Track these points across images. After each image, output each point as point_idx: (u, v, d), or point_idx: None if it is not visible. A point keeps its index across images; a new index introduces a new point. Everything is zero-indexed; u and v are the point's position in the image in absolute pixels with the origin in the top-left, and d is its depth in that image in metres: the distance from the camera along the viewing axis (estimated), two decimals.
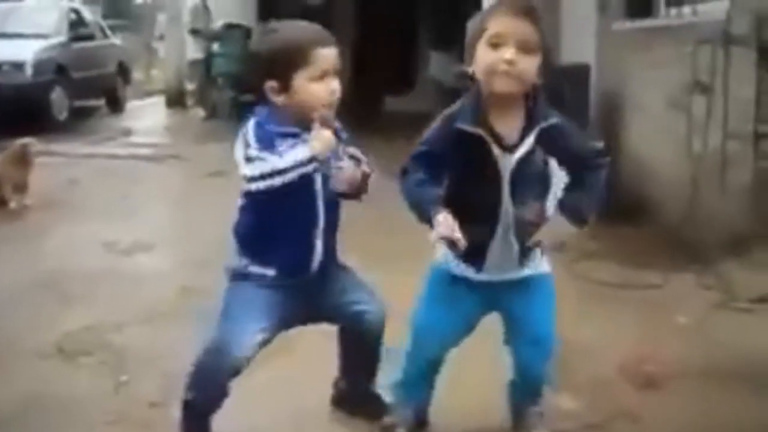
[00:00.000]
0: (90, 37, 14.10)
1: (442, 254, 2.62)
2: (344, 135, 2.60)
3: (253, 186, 2.39)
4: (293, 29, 2.58)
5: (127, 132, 12.07)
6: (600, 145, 2.65)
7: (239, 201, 2.60)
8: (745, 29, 4.85)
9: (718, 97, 5.08)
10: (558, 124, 2.51)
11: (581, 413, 3.05)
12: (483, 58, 2.43)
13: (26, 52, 11.56)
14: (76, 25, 13.69)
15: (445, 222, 2.34)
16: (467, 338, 2.72)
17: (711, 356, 3.60)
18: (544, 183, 2.58)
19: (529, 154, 2.48)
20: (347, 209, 2.67)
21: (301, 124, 2.50)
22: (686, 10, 5.85)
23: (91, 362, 3.55)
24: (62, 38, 12.82)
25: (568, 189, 2.57)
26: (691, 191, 5.26)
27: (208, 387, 2.65)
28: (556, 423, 2.89)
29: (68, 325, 3.92)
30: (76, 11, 14.47)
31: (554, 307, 2.68)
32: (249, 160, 2.40)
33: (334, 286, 2.72)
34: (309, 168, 2.41)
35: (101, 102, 14.77)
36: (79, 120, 12.75)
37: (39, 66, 11.60)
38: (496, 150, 2.45)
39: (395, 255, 4.47)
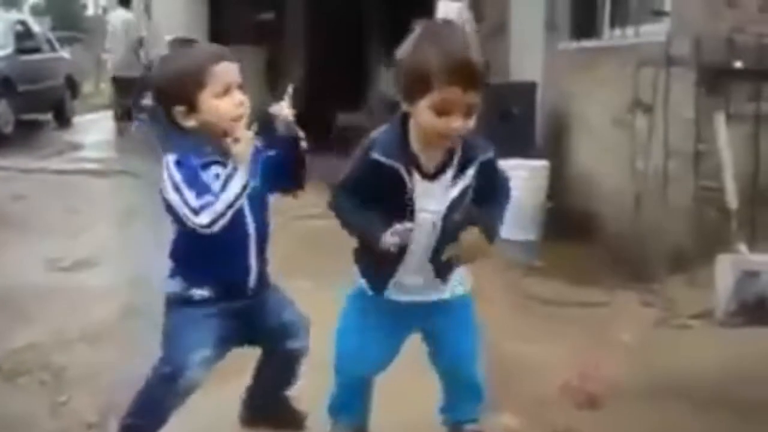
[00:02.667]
0: (37, 50, 13.92)
1: (357, 279, 2.63)
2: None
3: (208, 231, 2.41)
4: (188, 52, 2.61)
5: (75, 146, 11.92)
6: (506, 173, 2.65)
7: (173, 228, 2.59)
8: (685, 50, 4.95)
9: (660, 116, 5.18)
10: (493, 158, 2.53)
11: (523, 431, 3.06)
12: (425, 119, 2.36)
13: None
14: (23, 37, 13.53)
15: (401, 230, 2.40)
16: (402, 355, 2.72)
17: (652, 374, 3.64)
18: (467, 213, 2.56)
19: (467, 187, 2.50)
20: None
21: (216, 144, 2.51)
22: (629, 31, 5.95)
23: (29, 382, 3.50)
24: (8, 50, 12.66)
25: (476, 204, 2.56)
26: (634, 209, 5.34)
27: (153, 413, 2.65)
28: None
29: (7, 345, 3.86)
30: (23, 23, 14.30)
31: (475, 326, 2.69)
32: (195, 212, 2.39)
33: (268, 308, 2.74)
34: (247, 192, 2.46)
35: (48, 116, 14.57)
36: (25, 134, 12.56)
37: None
38: (416, 177, 2.46)
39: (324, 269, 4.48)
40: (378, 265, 2.53)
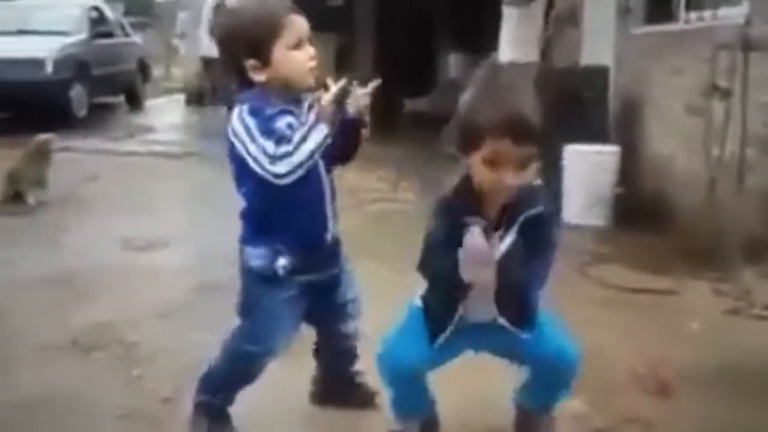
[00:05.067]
0: (110, 35, 14.18)
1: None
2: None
3: (283, 181, 2.37)
4: (256, 4, 2.56)
5: (147, 129, 12.13)
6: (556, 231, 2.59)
7: (243, 188, 2.56)
8: (764, 33, 4.82)
9: (737, 101, 5.06)
10: (541, 214, 2.45)
11: (592, 417, 3.04)
12: (481, 174, 2.34)
13: (47, 48, 11.63)
14: (97, 23, 13.78)
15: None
16: None
17: (724, 363, 3.58)
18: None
19: (516, 243, 2.44)
20: None
21: (288, 99, 2.49)
22: (706, 14, 5.83)
23: (105, 357, 3.58)
24: (83, 35, 12.91)
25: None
26: (708, 196, 5.24)
27: (230, 390, 2.71)
28: (565, 426, 2.88)
29: (84, 320, 3.95)
30: (97, 8, 14.57)
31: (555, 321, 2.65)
32: (273, 159, 2.35)
33: (341, 285, 2.76)
34: (326, 145, 2.41)
35: (121, 99, 14.85)
36: (98, 117, 12.81)
37: (59, 63, 11.66)
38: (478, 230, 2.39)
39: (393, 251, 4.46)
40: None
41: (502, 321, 2.54)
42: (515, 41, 7.83)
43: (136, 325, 3.90)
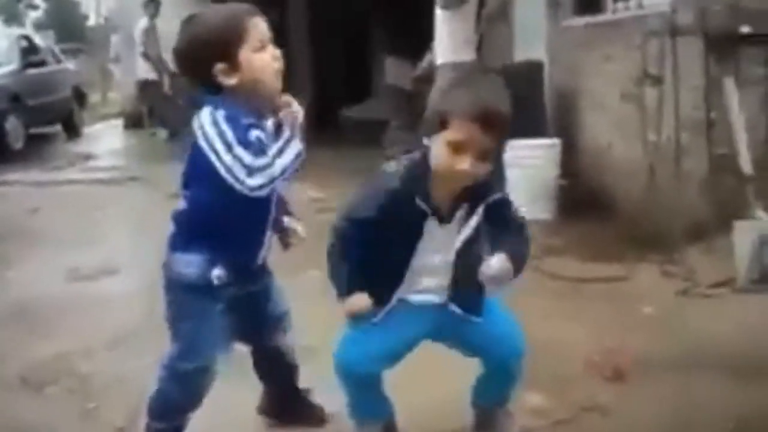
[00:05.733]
0: (42, 63, 13.96)
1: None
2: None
3: (259, 193, 2.32)
4: (220, 9, 2.53)
5: (86, 156, 11.95)
6: (522, 213, 2.64)
7: (190, 190, 2.52)
8: (690, 19, 4.92)
9: (669, 87, 5.15)
10: (502, 198, 2.53)
11: (550, 410, 3.06)
12: (439, 156, 2.39)
13: None
14: (28, 52, 13.55)
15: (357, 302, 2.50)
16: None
17: (678, 344, 3.64)
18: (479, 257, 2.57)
19: (476, 231, 2.52)
20: None
21: (255, 105, 2.47)
22: (632, 3, 5.92)
23: (57, 391, 3.51)
24: (13, 66, 12.69)
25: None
26: (648, 181, 5.32)
27: (175, 413, 2.65)
28: (524, 420, 2.90)
29: (34, 355, 3.87)
30: (27, 37, 14.34)
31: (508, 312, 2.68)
32: (250, 171, 2.29)
33: (271, 298, 2.75)
34: (300, 160, 2.40)
35: (58, 128, 14.62)
36: (36, 147, 12.59)
37: None
38: (430, 219, 2.49)
39: None
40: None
41: (453, 307, 2.59)
42: (450, 43, 7.86)
43: (87, 357, 3.83)
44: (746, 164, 4.64)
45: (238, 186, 2.31)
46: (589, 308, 4.17)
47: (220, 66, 2.42)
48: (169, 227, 2.59)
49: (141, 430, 2.73)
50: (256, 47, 2.44)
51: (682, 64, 5.06)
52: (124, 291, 4.98)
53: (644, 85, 5.38)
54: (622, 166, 5.81)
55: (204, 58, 2.43)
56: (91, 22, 30.97)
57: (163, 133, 13.12)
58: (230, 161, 2.30)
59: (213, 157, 2.33)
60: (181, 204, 2.55)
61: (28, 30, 14.86)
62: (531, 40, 7.31)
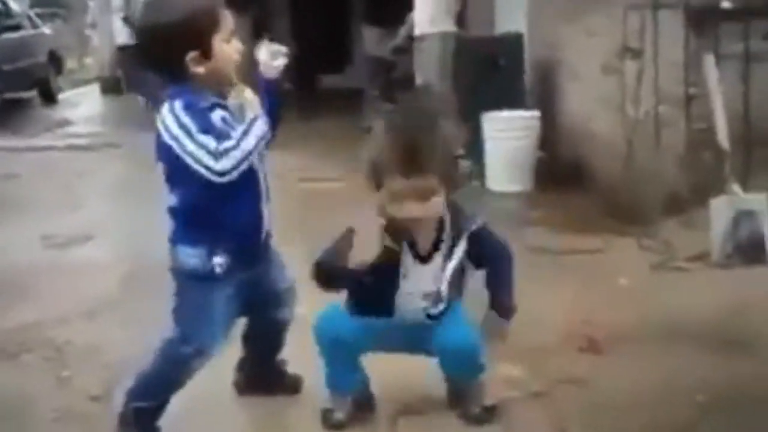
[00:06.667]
0: (18, 27, 13.77)
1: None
2: None
3: (227, 177, 2.32)
4: None
5: (63, 122, 11.84)
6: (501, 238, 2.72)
7: (177, 187, 2.51)
8: None
9: (649, 61, 5.14)
10: (480, 230, 2.60)
11: (527, 381, 3.08)
12: (388, 208, 2.47)
13: None
14: (3, 16, 13.38)
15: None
16: None
17: (653, 317, 3.66)
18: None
19: (460, 263, 2.61)
20: None
21: (216, 92, 2.47)
22: None
23: (33, 359, 3.50)
24: None
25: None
26: (626, 155, 5.33)
27: (164, 393, 2.65)
28: (501, 392, 2.92)
29: (9, 324, 3.86)
30: (2, 1, 14.12)
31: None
32: (215, 156, 2.30)
33: (271, 276, 2.75)
34: (267, 138, 2.41)
35: (34, 93, 14.45)
36: (11, 113, 12.45)
37: None
38: (409, 258, 2.55)
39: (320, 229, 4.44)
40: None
41: (428, 321, 2.66)
42: (430, 13, 7.83)
43: (62, 325, 3.82)
44: (724, 140, 4.64)
45: (206, 173, 2.31)
46: (565, 280, 4.18)
47: (192, 54, 2.41)
48: (146, 195, 2.58)
49: (116, 399, 2.72)
50: (226, 38, 2.46)
51: (662, 38, 5.05)
52: (100, 258, 4.97)
53: (625, 58, 5.37)
54: (601, 139, 5.81)
55: (177, 45, 2.41)
56: None
57: (138, 99, 12.99)
58: (194, 149, 2.31)
59: (178, 149, 2.34)
60: (171, 199, 2.54)
61: None
62: (512, 12, 7.29)
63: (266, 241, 2.69)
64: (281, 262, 2.81)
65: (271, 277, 2.76)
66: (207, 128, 2.35)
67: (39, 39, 14.71)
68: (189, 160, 2.33)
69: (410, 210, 2.45)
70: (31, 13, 15.96)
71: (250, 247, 2.61)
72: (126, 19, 12.80)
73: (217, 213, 2.48)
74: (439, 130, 2.49)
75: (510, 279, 2.69)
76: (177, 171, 2.42)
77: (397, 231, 2.52)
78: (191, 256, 2.54)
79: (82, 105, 14.26)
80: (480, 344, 2.67)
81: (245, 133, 2.36)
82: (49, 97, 14.51)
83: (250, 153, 2.35)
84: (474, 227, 2.59)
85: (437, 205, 2.49)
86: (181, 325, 2.59)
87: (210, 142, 2.31)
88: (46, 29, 15.96)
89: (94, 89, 15.65)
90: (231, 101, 2.48)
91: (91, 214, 6.13)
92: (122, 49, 12.95)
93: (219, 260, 2.52)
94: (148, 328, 2.69)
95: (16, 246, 5.29)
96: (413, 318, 2.65)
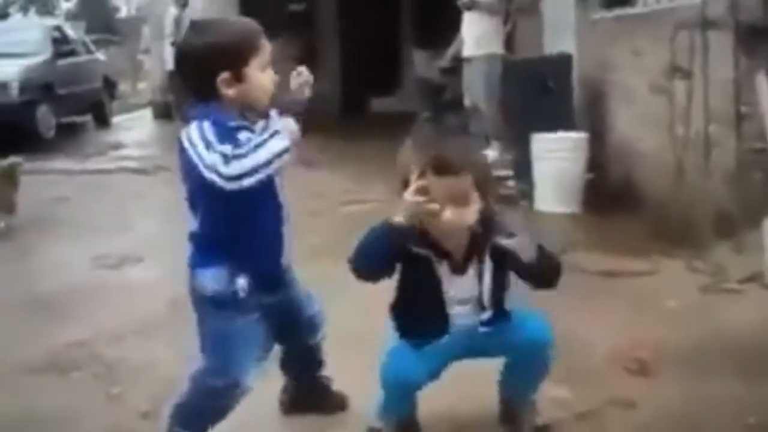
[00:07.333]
0: (73, 53, 14.08)
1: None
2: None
3: (233, 185, 2.26)
4: (235, 22, 2.55)
5: (115, 146, 12.04)
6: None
7: (199, 207, 2.50)
8: (721, 11, 4.87)
9: (699, 80, 5.10)
10: (505, 247, 2.53)
11: (575, 402, 3.05)
12: (416, 209, 2.46)
13: (11, 71, 11.51)
14: (60, 42, 13.68)
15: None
16: None
17: (702, 339, 3.61)
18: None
19: (495, 269, 2.59)
20: None
21: (244, 117, 2.48)
22: None
23: (83, 376, 3.55)
24: (46, 56, 12.80)
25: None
26: (676, 175, 5.28)
27: (205, 424, 2.62)
28: (549, 413, 2.90)
29: (60, 341, 3.91)
30: (59, 28, 14.45)
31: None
32: (226, 159, 2.26)
33: (297, 304, 2.74)
34: (285, 159, 2.36)
35: (88, 117, 14.74)
36: (66, 136, 12.72)
37: (24, 84, 11.55)
38: (444, 268, 2.56)
39: None
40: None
41: (483, 329, 2.64)
42: (476, 35, 7.86)
43: (113, 343, 3.87)
44: None
45: (216, 179, 2.26)
46: (614, 302, 4.15)
47: (225, 75, 2.42)
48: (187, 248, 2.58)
49: (164, 416, 2.74)
50: (263, 65, 2.47)
51: (712, 57, 5.01)
52: (150, 279, 5.02)
53: (674, 78, 5.33)
54: (651, 160, 5.76)
55: (212, 64, 2.42)
56: (122, 13, 31.21)
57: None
58: (209, 155, 2.28)
59: (194, 157, 2.31)
60: (192, 224, 2.53)
61: (60, 21, 14.91)
62: (560, 33, 7.27)
63: (288, 267, 2.68)
64: (304, 288, 2.79)
65: (297, 305, 2.75)
66: (228, 138, 2.34)
67: (93, 65, 15.02)
68: (201, 166, 2.28)
69: (444, 214, 2.43)
70: (87, 39, 16.29)
71: (271, 270, 2.60)
72: (174, 44, 13.05)
73: (238, 234, 2.46)
74: (470, 136, 2.53)
75: (545, 262, 2.60)
76: (198, 190, 2.42)
77: (425, 239, 2.51)
78: (212, 280, 2.50)
79: (135, 129, 14.50)
80: (552, 339, 2.66)
81: (259, 145, 2.32)
82: (102, 121, 14.80)
83: (261, 166, 2.29)
84: (496, 239, 2.52)
85: (471, 213, 2.47)
86: (208, 356, 2.56)
87: (224, 148, 2.29)
88: (101, 55, 16.29)
89: (147, 114, 15.91)
90: (260, 123, 2.49)
91: (142, 236, 6.21)
92: (172, 74, 13.19)
93: (242, 282, 2.49)
94: (197, 348, 2.70)
95: (68, 266, 5.38)
96: (465, 330, 2.63)
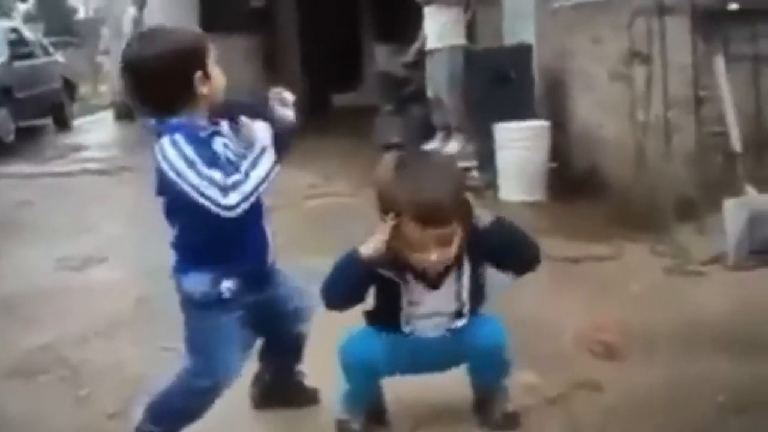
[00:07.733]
0: (31, 56, 13.91)
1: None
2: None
3: (236, 211, 2.29)
4: (177, 28, 2.59)
5: (76, 148, 11.91)
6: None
7: (178, 219, 2.49)
8: None
9: (658, 66, 5.14)
10: (487, 228, 2.54)
11: (543, 387, 3.06)
12: (406, 250, 2.46)
13: None
14: (17, 45, 13.50)
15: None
16: None
17: (667, 321, 3.64)
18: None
19: (472, 271, 2.60)
20: None
21: (206, 116, 2.48)
22: None
23: (49, 379, 3.51)
24: (3, 59, 12.63)
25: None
26: (637, 160, 5.32)
27: (181, 421, 2.62)
28: (518, 399, 2.90)
29: (25, 345, 3.87)
30: (16, 30, 14.26)
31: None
32: (225, 190, 2.27)
33: (281, 297, 2.73)
34: (275, 171, 2.40)
35: (48, 120, 14.56)
36: (26, 140, 12.55)
37: None
38: (417, 288, 2.56)
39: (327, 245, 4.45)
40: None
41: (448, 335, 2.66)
42: (438, 28, 7.87)
43: (78, 345, 3.83)
44: (736, 142, 4.63)
45: (213, 208, 2.27)
46: (579, 287, 4.18)
47: (199, 74, 2.43)
48: (159, 218, 2.56)
49: (133, 419, 2.72)
50: (215, 62, 2.50)
51: (670, 43, 5.06)
52: (113, 279, 4.98)
53: (633, 64, 5.37)
54: (612, 146, 5.80)
55: (184, 68, 2.42)
56: (81, 14, 30.85)
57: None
58: (200, 183, 2.28)
59: (182, 183, 2.30)
60: (172, 232, 2.53)
61: (17, 23, 14.73)
62: (520, 22, 7.30)
63: (274, 264, 2.68)
64: (293, 281, 2.79)
65: (282, 298, 2.74)
66: (213, 161, 2.33)
67: (52, 67, 14.84)
68: (195, 195, 2.29)
69: (428, 258, 2.44)
70: (45, 41, 16.10)
71: (257, 269, 2.60)
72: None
73: (222, 239, 2.45)
74: (454, 176, 2.53)
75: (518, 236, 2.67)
76: (176, 204, 2.41)
77: (399, 262, 2.52)
78: (198, 284, 2.51)
79: (96, 131, 14.36)
80: (507, 341, 2.68)
81: (253, 164, 2.34)
82: (63, 124, 14.63)
83: (258, 186, 2.34)
84: (483, 225, 2.53)
85: (455, 248, 2.47)
86: (194, 357, 2.57)
87: (217, 175, 2.28)
88: (59, 57, 16.10)
89: (108, 116, 15.75)
90: (224, 124, 2.49)
91: (105, 237, 6.15)
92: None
93: (227, 284, 2.50)
94: (163, 347, 2.69)
95: (31, 269, 5.33)
96: (435, 336, 2.65)
